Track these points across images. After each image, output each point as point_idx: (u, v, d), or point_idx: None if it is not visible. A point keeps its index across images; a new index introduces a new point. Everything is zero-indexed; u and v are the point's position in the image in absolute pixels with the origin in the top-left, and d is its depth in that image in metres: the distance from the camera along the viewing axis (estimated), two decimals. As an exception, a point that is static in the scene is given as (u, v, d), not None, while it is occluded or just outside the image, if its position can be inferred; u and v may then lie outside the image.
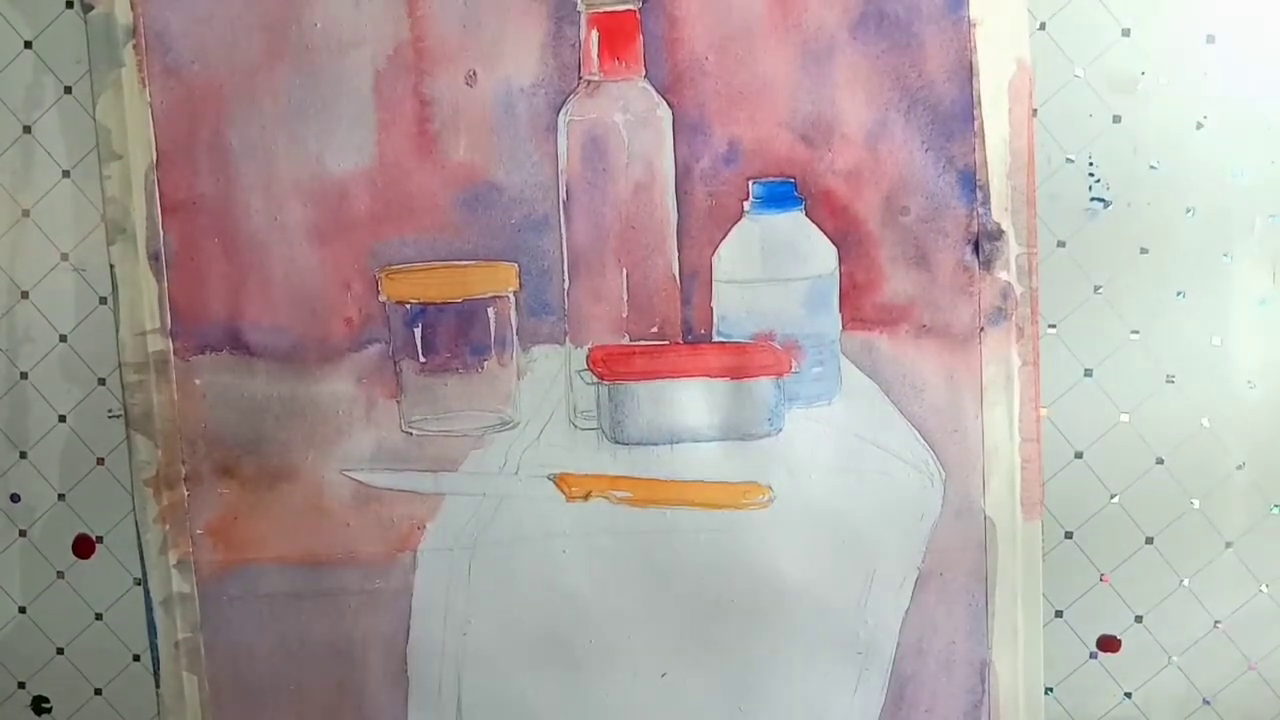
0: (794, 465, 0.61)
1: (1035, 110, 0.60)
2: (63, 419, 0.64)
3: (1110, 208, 0.61)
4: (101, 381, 0.63)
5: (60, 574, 0.65)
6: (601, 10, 0.59)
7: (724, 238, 0.61)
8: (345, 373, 0.62)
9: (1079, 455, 0.62)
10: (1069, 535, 0.63)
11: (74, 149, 0.62)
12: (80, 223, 0.62)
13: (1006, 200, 0.60)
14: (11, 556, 0.65)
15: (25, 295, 0.63)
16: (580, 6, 0.59)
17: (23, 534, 0.65)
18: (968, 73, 0.59)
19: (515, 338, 0.61)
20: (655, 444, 0.61)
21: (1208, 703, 0.64)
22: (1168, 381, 0.62)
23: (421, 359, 0.61)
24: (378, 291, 0.61)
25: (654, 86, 0.60)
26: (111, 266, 0.62)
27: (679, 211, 0.61)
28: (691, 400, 0.61)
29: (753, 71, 0.60)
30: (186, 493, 0.62)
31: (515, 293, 0.61)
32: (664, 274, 0.61)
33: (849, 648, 0.62)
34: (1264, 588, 0.63)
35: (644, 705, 0.63)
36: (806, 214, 0.60)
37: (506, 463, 0.62)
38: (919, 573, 0.62)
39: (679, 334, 0.61)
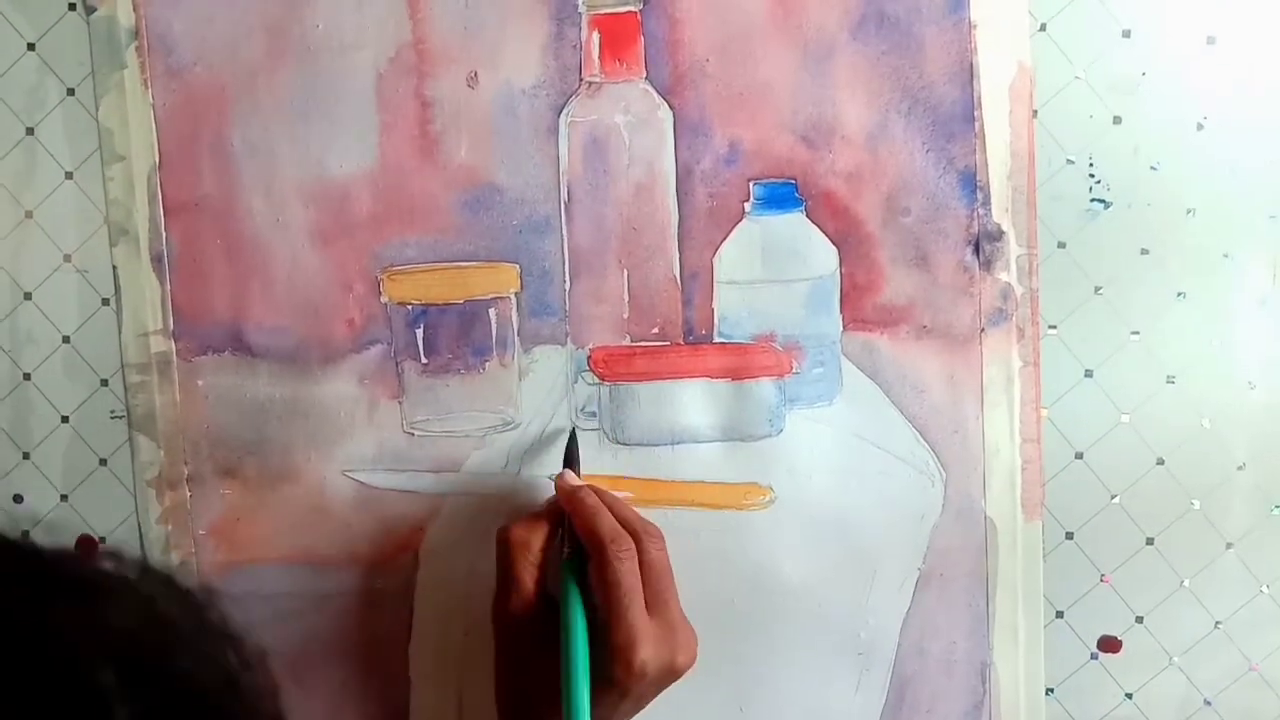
0: (795, 466, 0.61)
1: (1036, 111, 0.60)
2: (65, 420, 0.64)
3: (1111, 208, 0.61)
4: (104, 382, 0.63)
5: (63, 574, 0.65)
6: (603, 12, 0.59)
7: (725, 239, 0.61)
8: (347, 374, 0.62)
9: (1079, 456, 0.62)
10: (1070, 536, 0.63)
11: (77, 151, 0.62)
12: (83, 224, 0.62)
13: (1007, 201, 0.60)
14: (14, 557, 0.65)
15: (28, 296, 0.63)
16: (581, 8, 0.60)
17: (25, 535, 0.65)
18: (968, 74, 0.59)
19: (517, 338, 0.62)
20: (656, 444, 0.61)
21: (1209, 703, 0.64)
22: (1168, 382, 0.62)
23: (423, 360, 0.61)
24: (379, 293, 0.61)
25: (655, 88, 0.60)
26: (114, 268, 0.62)
27: (680, 212, 0.61)
28: (692, 401, 0.61)
29: (754, 73, 0.60)
30: (189, 493, 0.63)
31: (516, 294, 0.61)
32: (665, 275, 0.61)
33: (850, 648, 0.62)
34: (1265, 588, 0.63)
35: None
36: (807, 215, 0.60)
37: (508, 463, 0.62)
38: (920, 573, 0.62)
39: (680, 335, 0.61)
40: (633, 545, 0.55)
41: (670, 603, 0.56)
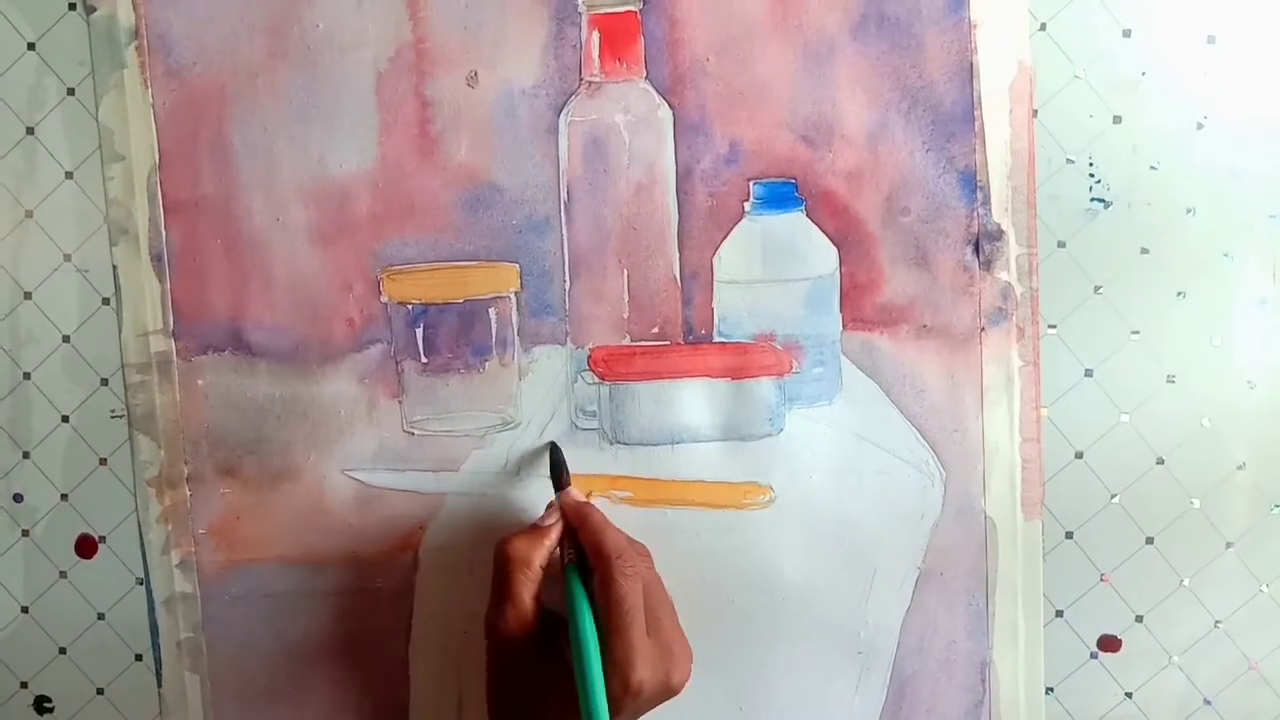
0: (795, 465, 0.61)
1: (1036, 111, 0.60)
2: (65, 419, 0.64)
3: (1111, 208, 0.61)
4: (104, 382, 0.63)
5: (63, 573, 0.65)
6: (602, 11, 0.59)
7: (725, 238, 0.61)
8: (347, 373, 0.62)
9: (1079, 455, 0.62)
10: (1069, 535, 0.63)
11: (77, 150, 0.62)
12: (83, 224, 0.62)
13: (1007, 201, 0.60)
14: (14, 556, 0.65)
15: (28, 296, 0.63)
16: (581, 8, 0.60)
17: (25, 534, 0.65)
18: (968, 74, 0.60)
19: (516, 338, 0.62)
20: (656, 444, 0.61)
21: (1208, 702, 0.64)
22: (1168, 381, 0.62)
23: (423, 359, 0.61)
24: (379, 292, 0.61)
25: (655, 87, 0.60)
26: (114, 267, 0.62)
27: (680, 212, 0.61)
28: (692, 400, 0.61)
29: (753, 72, 0.60)
30: (189, 493, 0.63)
31: (516, 293, 0.61)
32: (665, 274, 0.61)
33: (850, 647, 0.62)
34: (1265, 587, 0.63)
35: (645, 705, 0.63)
36: (807, 214, 0.60)
37: (508, 463, 0.62)
38: (919, 572, 0.62)
39: (680, 334, 0.61)
40: (638, 562, 0.55)
41: (665, 621, 0.56)
